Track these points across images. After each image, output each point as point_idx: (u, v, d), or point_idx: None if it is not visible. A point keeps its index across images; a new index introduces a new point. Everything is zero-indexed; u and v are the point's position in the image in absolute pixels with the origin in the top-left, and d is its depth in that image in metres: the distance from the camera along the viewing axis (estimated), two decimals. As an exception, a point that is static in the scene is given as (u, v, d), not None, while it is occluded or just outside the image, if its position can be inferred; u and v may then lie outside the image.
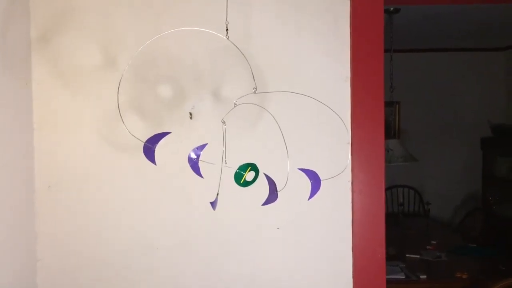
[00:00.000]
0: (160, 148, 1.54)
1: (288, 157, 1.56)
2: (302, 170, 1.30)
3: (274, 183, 1.28)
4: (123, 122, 1.30)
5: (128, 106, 1.57)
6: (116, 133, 1.59)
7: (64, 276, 1.61)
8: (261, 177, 1.27)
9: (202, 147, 1.28)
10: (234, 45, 1.31)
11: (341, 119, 1.54)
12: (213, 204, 1.28)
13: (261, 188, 1.51)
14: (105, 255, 1.61)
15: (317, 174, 1.29)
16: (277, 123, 1.43)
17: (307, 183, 1.53)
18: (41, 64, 1.58)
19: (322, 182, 1.31)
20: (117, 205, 1.60)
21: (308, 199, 1.31)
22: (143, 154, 1.48)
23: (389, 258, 3.50)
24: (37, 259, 1.61)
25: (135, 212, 1.60)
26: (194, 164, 1.25)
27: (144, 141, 1.25)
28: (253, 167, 1.25)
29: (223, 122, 1.29)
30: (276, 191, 1.28)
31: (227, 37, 1.28)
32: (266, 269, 1.61)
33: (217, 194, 1.28)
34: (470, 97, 5.70)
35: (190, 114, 1.58)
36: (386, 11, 3.78)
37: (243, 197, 1.55)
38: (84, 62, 1.58)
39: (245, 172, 1.24)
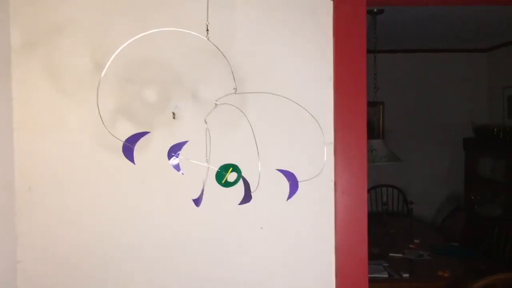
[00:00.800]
0: (141, 148, 1.54)
1: (261, 158, 1.57)
2: (281, 171, 1.31)
3: (249, 184, 1.29)
4: (103, 122, 1.28)
5: (110, 106, 1.56)
6: (97, 134, 1.57)
7: (44, 278, 1.60)
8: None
9: (182, 144, 1.27)
10: (215, 45, 1.31)
11: (317, 121, 1.55)
12: (197, 201, 1.27)
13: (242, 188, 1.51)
14: (86, 257, 1.60)
15: (294, 175, 1.30)
16: (250, 126, 1.43)
17: (287, 183, 1.54)
18: (21, 62, 1.56)
19: (304, 182, 1.32)
20: (98, 206, 1.59)
21: (287, 200, 1.31)
22: (123, 155, 1.48)
23: (373, 257, 3.53)
24: (17, 261, 1.59)
25: (116, 213, 1.59)
26: (175, 163, 1.25)
27: (123, 140, 1.24)
28: (235, 168, 1.25)
29: (206, 122, 1.29)
30: (250, 192, 1.29)
31: (207, 37, 1.28)
32: (248, 269, 1.61)
33: (202, 191, 1.27)
34: (453, 98, 5.76)
35: (173, 114, 1.57)
36: (370, 12, 3.80)
37: (225, 197, 1.54)
38: (65, 62, 1.57)
39: (226, 173, 1.24)
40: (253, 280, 1.61)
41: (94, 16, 1.57)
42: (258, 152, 1.36)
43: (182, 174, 1.27)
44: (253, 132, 1.38)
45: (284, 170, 1.30)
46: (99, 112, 1.28)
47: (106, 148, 1.57)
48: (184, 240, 1.60)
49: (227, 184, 1.24)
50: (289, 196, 1.30)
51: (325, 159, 1.59)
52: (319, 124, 1.53)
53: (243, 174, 1.28)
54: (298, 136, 1.60)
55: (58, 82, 1.57)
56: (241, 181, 1.26)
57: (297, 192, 1.52)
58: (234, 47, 1.56)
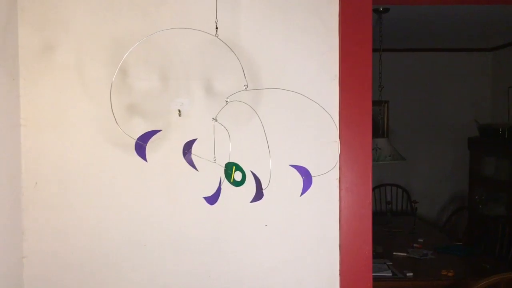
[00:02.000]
0: (149, 146, 1.55)
1: (273, 155, 1.57)
2: (294, 166, 1.31)
3: (260, 180, 1.29)
4: (115, 120, 1.29)
5: (118, 104, 1.56)
6: (105, 131, 1.58)
7: (50, 273, 1.61)
8: (250, 175, 1.28)
9: (192, 142, 1.28)
10: (224, 43, 1.31)
11: (330, 116, 1.55)
12: (211, 198, 1.27)
13: (251, 185, 1.52)
14: (92, 252, 1.61)
15: (308, 171, 1.30)
16: (261, 123, 1.44)
17: (294, 181, 1.55)
18: (28, 59, 1.57)
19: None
20: (103, 202, 1.60)
21: (301, 195, 1.31)
22: (132, 151, 1.49)
23: (376, 256, 3.53)
24: (23, 256, 1.60)
25: (123, 209, 1.60)
26: (188, 159, 1.25)
27: (136, 138, 1.26)
28: (237, 167, 1.25)
29: (214, 119, 1.30)
30: (262, 189, 1.29)
31: (216, 35, 1.29)
32: (252, 266, 1.62)
33: (218, 189, 1.27)
34: (458, 97, 5.75)
35: (179, 111, 1.58)
36: (375, 10, 3.79)
37: (232, 195, 1.55)
38: (72, 59, 1.57)
39: (231, 171, 1.25)
40: (257, 277, 1.62)
41: (101, 12, 1.57)
42: (269, 149, 1.36)
43: (197, 170, 1.27)
44: (264, 130, 1.39)
45: (298, 166, 1.30)
46: (112, 110, 1.29)
47: (111, 145, 1.58)
48: (189, 237, 1.61)
49: (236, 183, 1.25)
50: (303, 192, 1.29)
51: (329, 157, 1.59)
52: (333, 120, 1.53)
53: (253, 171, 1.28)
54: (303, 135, 1.60)
55: (65, 79, 1.57)
56: (250, 179, 1.26)
57: (302, 190, 1.53)
58: (240, 44, 1.57)
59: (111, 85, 1.37)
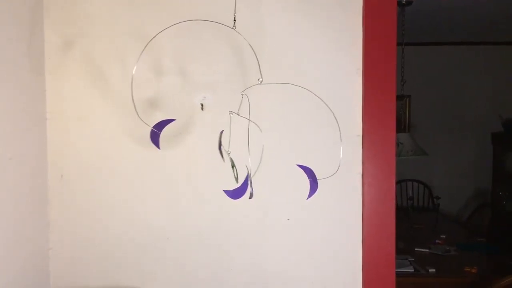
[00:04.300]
0: (171, 138, 1.56)
1: (294, 150, 1.57)
2: (301, 166, 1.31)
3: (313, 172, 1.28)
4: (137, 113, 1.31)
5: (140, 98, 1.58)
6: (128, 124, 1.59)
7: (75, 264, 1.63)
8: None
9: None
10: (242, 36, 1.31)
11: (354, 110, 1.54)
12: (235, 193, 1.27)
13: (269, 179, 1.52)
14: (116, 244, 1.63)
15: (313, 172, 1.29)
16: (279, 116, 1.42)
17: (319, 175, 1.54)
18: (54, 53, 1.59)
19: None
20: (129, 195, 1.62)
21: (307, 198, 1.31)
22: (154, 146, 1.51)
23: (398, 251, 3.50)
24: (49, 248, 1.62)
25: (147, 202, 1.62)
26: (220, 149, 1.26)
27: (151, 126, 1.28)
28: (232, 163, 1.26)
29: (234, 113, 1.30)
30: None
31: (234, 27, 1.28)
32: (274, 261, 1.62)
33: (247, 180, 1.27)
34: (482, 92, 5.65)
35: (202, 105, 1.58)
36: (398, 3, 3.75)
37: (256, 188, 1.55)
38: (96, 53, 1.59)
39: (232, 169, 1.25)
40: (279, 272, 1.62)
41: (124, 6, 1.58)
42: (289, 145, 1.36)
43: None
44: (280, 124, 1.38)
45: (304, 166, 1.30)
46: (133, 102, 1.30)
47: (136, 138, 1.60)
48: (212, 230, 1.62)
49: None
50: (309, 195, 1.29)
51: (352, 152, 1.58)
52: (355, 112, 1.52)
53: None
54: (325, 128, 1.59)
55: (90, 73, 1.59)
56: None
57: (324, 185, 1.52)
58: (261, 38, 1.56)
59: (132, 78, 1.38)
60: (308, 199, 1.57)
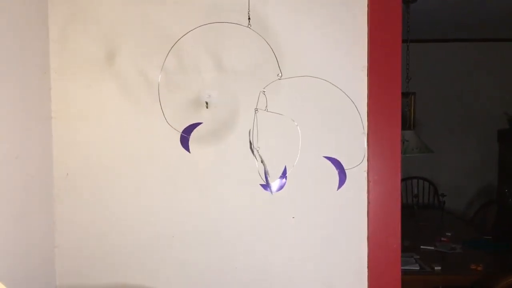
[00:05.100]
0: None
1: (301, 146, 1.56)
2: (329, 158, 1.29)
3: (344, 168, 1.26)
4: (163, 112, 1.30)
5: (147, 96, 1.58)
6: (133, 123, 1.60)
7: (81, 262, 1.64)
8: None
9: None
10: (258, 34, 1.31)
11: (358, 108, 1.54)
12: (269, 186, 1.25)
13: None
14: (121, 243, 1.63)
15: (341, 164, 1.28)
16: (289, 112, 1.42)
17: (321, 173, 1.54)
18: (59, 52, 1.59)
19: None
20: (132, 193, 1.62)
21: (337, 189, 1.29)
22: (160, 144, 1.51)
23: (404, 249, 3.49)
24: (54, 246, 1.63)
25: (152, 200, 1.62)
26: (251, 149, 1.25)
27: (181, 131, 1.29)
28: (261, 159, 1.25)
29: (257, 110, 1.29)
30: (344, 171, 1.26)
31: (249, 25, 1.28)
32: (280, 258, 1.62)
33: (265, 173, 1.25)
34: (488, 89, 5.62)
35: (206, 103, 1.58)
36: (403, 0, 3.74)
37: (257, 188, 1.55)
38: (102, 52, 1.59)
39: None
40: (285, 269, 1.62)
41: (131, 4, 1.59)
42: (300, 141, 1.35)
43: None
44: (293, 119, 1.37)
45: (332, 158, 1.28)
46: (160, 103, 1.29)
47: (142, 137, 1.60)
48: (216, 228, 1.62)
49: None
50: (339, 186, 1.27)
51: (357, 149, 1.57)
52: (360, 109, 1.52)
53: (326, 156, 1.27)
54: (332, 126, 1.59)
55: (95, 72, 1.60)
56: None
57: (330, 182, 1.52)
58: (270, 36, 1.56)
59: (159, 81, 1.38)
60: (314, 196, 1.58)
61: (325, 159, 1.30)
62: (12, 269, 1.41)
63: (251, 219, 1.62)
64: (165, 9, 1.58)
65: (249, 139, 1.23)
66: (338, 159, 1.28)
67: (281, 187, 1.25)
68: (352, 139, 1.59)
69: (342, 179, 1.27)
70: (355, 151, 1.58)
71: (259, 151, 1.25)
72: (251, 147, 1.23)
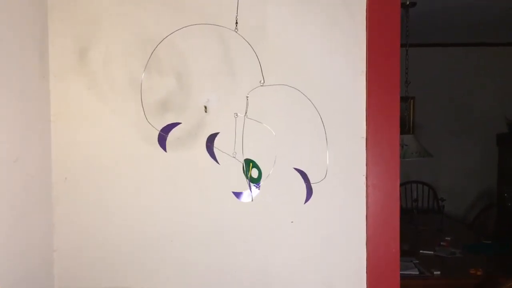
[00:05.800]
0: (176, 140, 1.56)
1: (296, 151, 1.56)
2: (297, 170, 1.31)
3: (307, 176, 1.28)
4: (144, 114, 1.31)
5: (146, 100, 1.58)
6: (132, 127, 1.60)
7: (80, 266, 1.63)
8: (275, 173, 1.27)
9: (214, 136, 1.28)
10: (243, 38, 1.31)
11: (357, 112, 1.54)
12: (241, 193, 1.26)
13: (274, 182, 1.52)
14: (121, 246, 1.63)
15: (307, 176, 1.29)
16: (282, 118, 1.42)
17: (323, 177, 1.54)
18: (58, 55, 1.59)
19: (335, 176, 1.31)
20: (132, 196, 1.62)
21: (304, 203, 1.30)
22: (159, 147, 1.51)
23: (403, 254, 3.48)
24: (53, 250, 1.63)
25: (152, 204, 1.62)
26: (211, 152, 1.26)
27: (159, 130, 1.28)
28: (254, 164, 1.25)
29: (236, 115, 1.30)
30: (311, 185, 1.28)
31: (236, 30, 1.29)
32: (280, 261, 1.62)
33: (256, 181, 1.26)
34: (487, 93, 5.63)
35: (205, 107, 1.58)
36: (402, 4, 3.74)
37: (258, 191, 1.55)
38: (101, 56, 1.59)
39: (248, 168, 1.25)
40: (284, 272, 1.62)
41: (129, 9, 1.59)
42: (290, 146, 1.35)
43: (218, 164, 1.27)
44: (284, 126, 1.38)
45: (299, 170, 1.30)
46: (142, 106, 1.30)
47: (139, 141, 1.60)
48: (216, 231, 1.62)
49: (253, 180, 1.25)
50: (306, 200, 1.29)
51: (356, 153, 1.58)
52: (358, 114, 1.52)
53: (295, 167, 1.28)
54: (330, 130, 1.59)
55: (94, 76, 1.60)
56: (266, 178, 1.26)
57: (329, 186, 1.52)
58: (263, 39, 1.56)
59: (141, 81, 1.38)
60: (312, 200, 1.58)
61: (325, 165, 1.31)
62: (11, 272, 1.40)
63: (251, 219, 1.61)
64: (161, 11, 1.58)
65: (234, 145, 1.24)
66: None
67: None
68: (351, 143, 1.58)
69: (309, 192, 1.28)
70: (354, 155, 1.58)
71: (236, 156, 1.26)
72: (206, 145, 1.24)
